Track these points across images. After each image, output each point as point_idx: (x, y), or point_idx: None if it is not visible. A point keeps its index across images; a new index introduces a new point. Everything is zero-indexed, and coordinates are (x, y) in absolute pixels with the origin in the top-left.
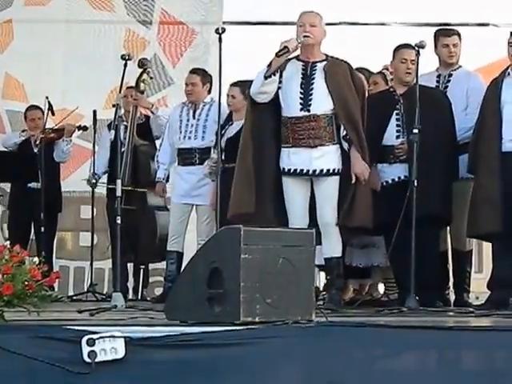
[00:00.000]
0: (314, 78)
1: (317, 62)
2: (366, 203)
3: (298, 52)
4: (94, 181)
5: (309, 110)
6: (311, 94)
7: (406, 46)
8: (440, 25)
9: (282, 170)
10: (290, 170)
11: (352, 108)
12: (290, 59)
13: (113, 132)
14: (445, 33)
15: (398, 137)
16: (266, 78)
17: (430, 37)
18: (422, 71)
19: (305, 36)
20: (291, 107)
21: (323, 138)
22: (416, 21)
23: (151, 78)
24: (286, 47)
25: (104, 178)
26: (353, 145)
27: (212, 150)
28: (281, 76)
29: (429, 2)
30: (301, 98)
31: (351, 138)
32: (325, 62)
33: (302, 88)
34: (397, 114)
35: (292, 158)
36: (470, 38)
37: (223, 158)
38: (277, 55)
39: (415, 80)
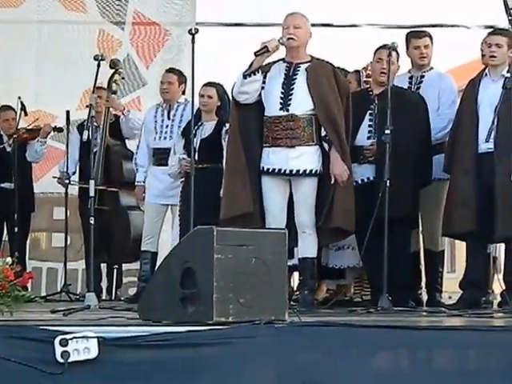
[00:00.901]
0: (295, 79)
1: (301, 63)
2: (345, 205)
3: (283, 54)
4: (66, 180)
5: (288, 110)
6: (291, 94)
7: (384, 46)
8: (412, 27)
9: (261, 169)
10: (268, 169)
11: (333, 109)
12: (275, 61)
13: (86, 132)
14: (416, 35)
15: (368, 137)
16: (244, 77)
17: (403, 39)
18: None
19: (289, 38)
20: (271, 107)
21: (301, 139)
22: (389, 23)
23: (123, 78)
24: (265, 47)
25: (75, 179)
26: (333, 146)
27: (173, 151)
28: (265, 77)
29: (401, 4)
30: (281, 98)
31: (331, 138)
32: (308, 63)
33: (283, 88)
34: (370, 115)
35: (271, 157)
36: (442, 40)
37: (196, 158)
38: (255, 54)
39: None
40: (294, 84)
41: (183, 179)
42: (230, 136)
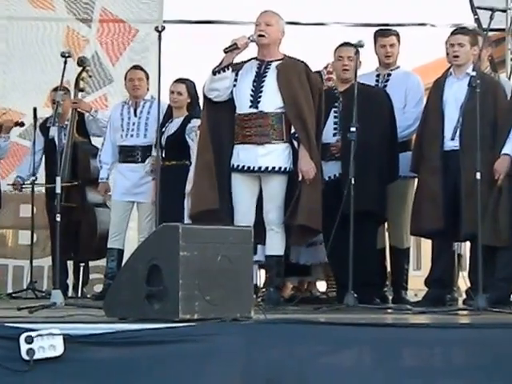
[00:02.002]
0: (265, 76)
1: (272, 60)
2: (311, 203)
3: (255, 52)
4: (28, 180)
5: (257, 107)
6: (261, 92)
7: (344, 44)
8: (379, 25)
9: (231, 166)
10: (238, 166)
11: (303, 107)
12: (249, 59)
13: (52, 129)
14: (382, 33)
15: (334, 134)
16: (214, 73)
17: (370, 37)
18: (363, 71)
19: (259, 35)
20: (242, 104)
21: (270, 136)
22: (356, 21)
23: (90, 76)
24: (235, 44)
25: (41, 179)
26: (301, 143)
27: (153, 148)
28: (237, 75)
29: (368, 3)
30: (251, 96)
31: (299, 136)
32: (280, 61)
33: (253, 86)
34: (335, 112)
35: (240, 154)
36: (408, 38)
37: (163, 155)
38: (225, 51)
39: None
40: (264, 82)
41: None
42: (200, 133)
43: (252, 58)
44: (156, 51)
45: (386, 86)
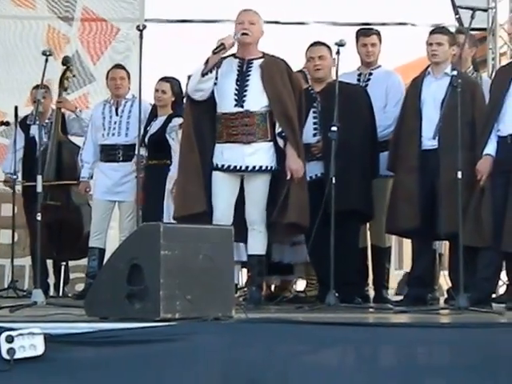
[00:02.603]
0: (249, 75)
1: (253, 59)
2: (300, 201)
3: (234, 50)
4: (15, 177)
5: (242, 106)
6: (246, 91)
7: (314, 43)
8: (360, 24)
9: (214, 165)
10: (223, 165)
11: (287, 105)
12: (226, 57)
13: (33, 128)
14: (364, 32)
15: (314, 135)
16: (203, 75)
17: (352, 36)
18: (345, 70)
19: (243, 33)
20: (226, 103)
21: (256, 135)
22: (337, 20)
23: (74, 75)
24: (222, 44)
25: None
26: (288, 142)
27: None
28: (216, 73)
29: (349, 2)
30: (235, 95)
31: (286, 135)
32: (262, 60)
33: (237, 84)
34: (314, 112)
35: (225, 153)
36: (389, 38)
37: (146, 154)
38: (213, 52)
39: (332, 77)
40: (248, 80)
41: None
42: (184, 133)
43: (228, 56)
44: (137, 50)
45: (367, 85)
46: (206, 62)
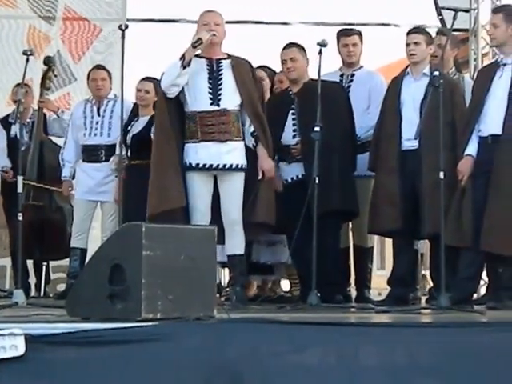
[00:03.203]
0: (221, 74)
1: (221, 59)
2: (269, 200)
3: (198, 50)
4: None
5: (219, 105)
6: (220, 89)
7: (286, 45)
8: (342, 24)
9: (187, 165)
10: (197, 164)
11: (258, 105)
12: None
13: (14, 128)
14: (345, 33)
15: (294, 136)
16: (184, 67)
17: (333, 35)
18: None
19: (213, 34)
20: (200, 102)
21: (232, 133)
22: (319, 21)
23: (56, 75)
24: (200, 39)
25: None
26: (260, 141)
27: (117, 147)
28: None
29: (332, 3)
30: (210, 93)
31: (258, 134)
32: (229, 60)
33: (209, 83)
34: (293, 114)
35: (200, 152)
36: (372, 38)
37: (128, 154)
38: (193, 46)
39: (309, 77)
40: (221, 79)
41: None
42: (160, 130)
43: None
44: (119, 50)
45: (349, 86)
46: (182, 58)
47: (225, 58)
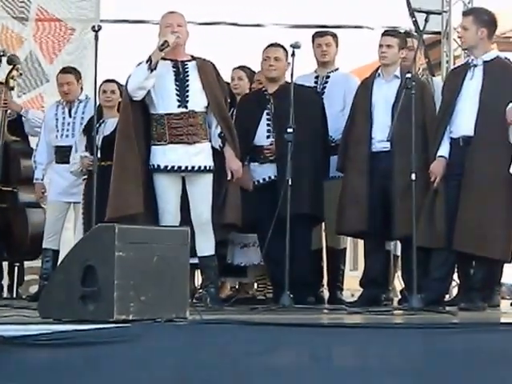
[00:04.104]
0: (188, 75)
1: (186, 61)
2: (236, 201)
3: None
4: None
5: (186, 107)
6: (187, 91)
7: (271, 44)
8: (316, 27)
9: (155, 167)
10: (166, 166)
11: (224, 106)
12: None
13: None
14: (319, 34)
15: (268, 137)
16: (151, 70)
17: (308, 38)
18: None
19: (178, 36)
20: (168, 104)
21: (199, 135)
22: (294, 23)
23: (20, 74)
24: (166, 41)
25: None
26: (227, 142)
27: (74, 148)
28: None
29: (306, 5)
30: (177, 95)
31: (225, 135)
32: (194, 61)
33: (176, 85)
34: (267, 114)
35: (168, 154)
36: (346, 40)
37: (99, 156)
38: (160, 49)
39: (287, 79)
40: (188, 81)
41: (86, 177)
42: (122, 133)
43: None
44: (93, 50)
45: (324, 87)
46: (148, 61)
47: (189, 60)
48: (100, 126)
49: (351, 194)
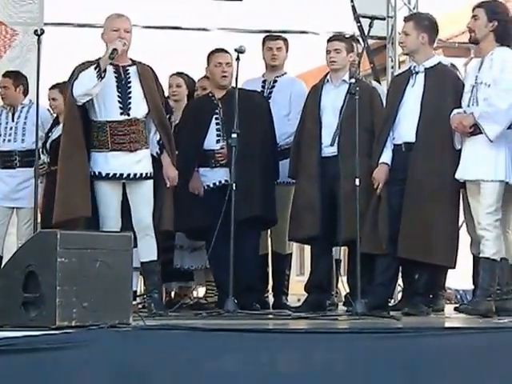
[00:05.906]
0: (130, 82)
1: (127, 66)
2: (171, 207)
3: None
4: None
5: (129, 114)
6: (130, 98)
7: (221, 50)
8: (262, 31)
9: (96, 174)
10: (107, 174)
11: (163, 113)
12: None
13: None
14: (270, 37)
15: (218, 141)
16: (101, 78)
17: (254, 44)
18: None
19: (125, 43)
20: (110, 111)
21: (141, 142)
22: (239, 27)
23: None
24: (115, 49)
25: None
26: (165, 149)
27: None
28: None
29: (252, 10)
30: (119, 102)
31: (164, 142)
32: (135, 66)
33: (118, 92)
34: (216, 119)
35: (110, 162)
36: (291, 45)
37: (48, 160)
38: (110, 58)
39: (233, 84)
40: (130, 88)
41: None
42: (68, 137)
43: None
44: (36, 54)
45: (271, 91)
46: (97, 67)
47: (130, 65)
48: (54, 130)
49: (304, 200)
